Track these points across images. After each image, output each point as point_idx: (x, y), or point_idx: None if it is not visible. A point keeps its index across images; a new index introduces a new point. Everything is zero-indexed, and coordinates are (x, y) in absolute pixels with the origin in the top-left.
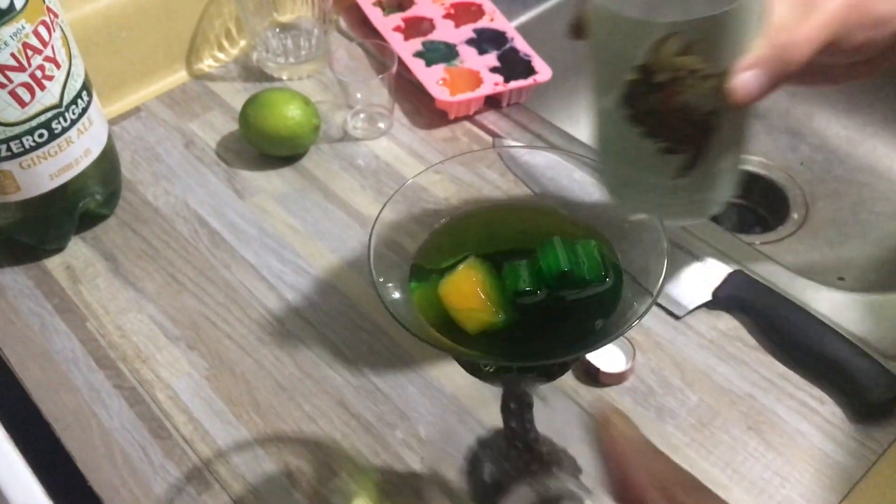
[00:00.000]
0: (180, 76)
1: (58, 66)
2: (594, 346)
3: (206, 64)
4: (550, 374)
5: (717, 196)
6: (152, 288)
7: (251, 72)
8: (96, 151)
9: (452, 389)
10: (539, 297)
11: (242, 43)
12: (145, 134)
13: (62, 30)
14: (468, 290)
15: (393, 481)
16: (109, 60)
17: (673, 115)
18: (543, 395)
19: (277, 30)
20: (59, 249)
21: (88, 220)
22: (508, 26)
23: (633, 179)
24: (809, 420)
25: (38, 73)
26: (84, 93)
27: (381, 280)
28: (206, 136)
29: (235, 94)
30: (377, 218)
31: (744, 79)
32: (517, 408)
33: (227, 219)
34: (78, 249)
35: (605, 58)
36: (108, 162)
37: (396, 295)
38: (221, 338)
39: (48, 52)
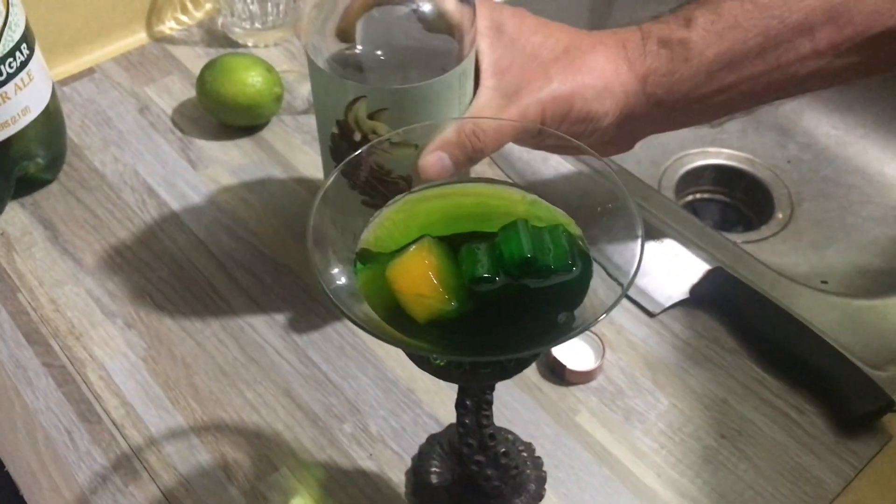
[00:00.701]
0: (139, 38)
1: None
2: (554, 341)
3: (168, 26)
4: (506, 371)
5: None
6: (92, 260)
7: (215, 37)
8: (36, 110)
9: (408, 383)
10: (497, 285)
11: (208, 6)
12: (97, 97)
13: None
14: (418, 274)
15: (338, 479)
16: (61, 16)
17: (370, 172)
18: None
19: None
20: None
21: (29, 185)
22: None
23: (347, 227)
24: (787, 430)
25: None
26: (24, 46)
27: (322, 260)
28: (163, 102)
29: (197, 60)
30: (321, 191)
31: (430, 160)
32: (473, 405)
33: (178, 190)
34: (15, 215)
35: (317, 109)
36: (51, 123)
37: (342, 280)
38: (162, 317)
39: None
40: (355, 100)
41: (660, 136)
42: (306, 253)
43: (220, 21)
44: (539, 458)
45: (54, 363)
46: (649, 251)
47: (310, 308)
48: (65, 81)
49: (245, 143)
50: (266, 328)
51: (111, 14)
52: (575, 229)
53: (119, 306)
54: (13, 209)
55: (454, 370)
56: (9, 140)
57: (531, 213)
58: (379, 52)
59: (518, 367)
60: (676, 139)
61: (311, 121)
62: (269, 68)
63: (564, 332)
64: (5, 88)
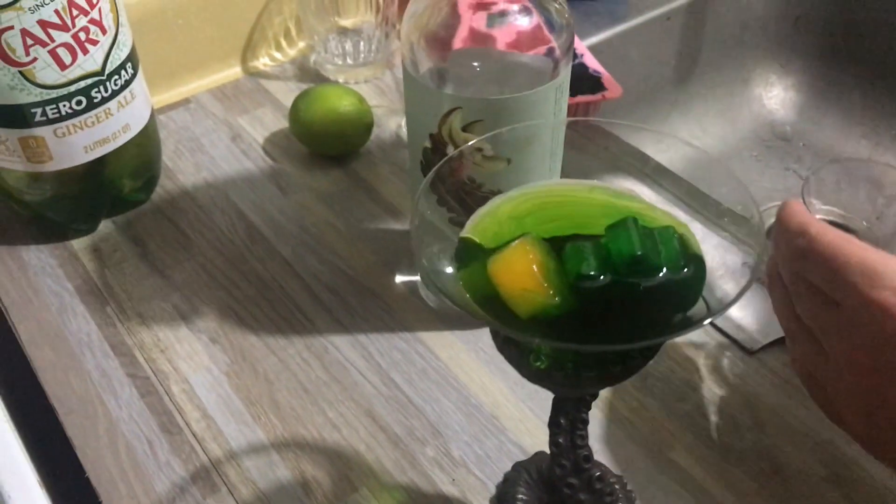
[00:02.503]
0: (234, 72)
1: (103, 31)
2: (663, 337)
3: (262, 62)
4: (612, 376)
5: None
6: (180, 277)
7: (307, 73)
8: (136, 128)
9: (492, 409)
10: (604, 282)
11: (301, 45)
12: (192, 125)
13: None
14: (522, 269)
15: (419, 502)
16: (162, 48)
17: (461, 187)
18: None
19: (338, 32)
20: (90, 231)
21: (123, 205)
22: (578, 43)
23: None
24: None
25: (82, 36)
26: (129, 65)
27: (425, 249)
28: (255, 132)
29: (289, 94)
30: (427, 180)
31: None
32: (567, 423)
33: (268, 214)
34: (108, 233)
35: (409, 123)
36: (148, 144)
37: (447, 270)
38: (247, 334)
39: (94, 14)
40: (450, 111)
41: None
42: (409, 275)
43: (312, 58)
44: (632, 491)
45: (138, 374)
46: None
47: (393, 331)
48: (161, 110)
49: (334, 172)
50: (349, 348)
51: (209, 48)
52: (688, 232)
53: (204, 322)
54: (106, 227)
55: (555, 373)
56: (107, 157)
57: (641, 214)
58: (475, 64)
59: (625, 372)
60: (763, 190)
61: (399, 153)
62: (361, 99)
63: (673, 329)
64: (109, 105)
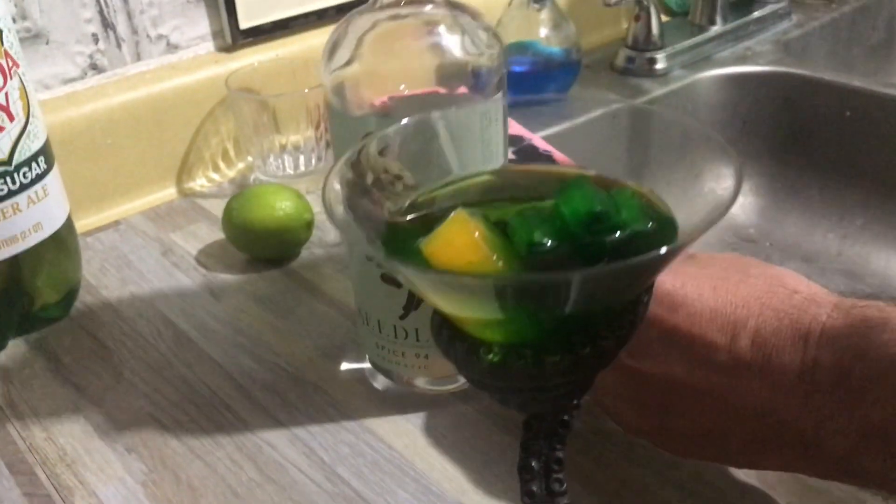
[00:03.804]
0: (168, 193)
1: (11, 118)
2: (640, 261)
3: (199, 183)
4: (580, 361)
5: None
6: (96, 388)
7: (246, 189)
8: (49, 229)
9: (457, 495)
10: (559, 251)
11: (241, 165)
12: (120, 244)
13: (21, 81)
14: (463, 241)
15: None
16: (90, 169)
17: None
18: None
19: (278, 148)
20: None
21: (37, 322)
22: (525, 132)
23: (371, 313)
24: None
25: None
26: (41, 158)
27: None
28: (188, 245)
29: None
30: (339, 162)
31: None
32: (541, 466)
33: (198, 319)
34: (17, 350)
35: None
36: (64, 251)
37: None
38: (169, 439)
39: (0, 98)
40: (366, 135)
41: None
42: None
43: (252, 177)
44: None
45: (37, 493)
46: None
47: (339, 423)
48: (89, 233)
49: (273, 275)
50: (288, 446)
51: (140, 171)
52: (653, 196)
53: (120, 432)
54: (17, 345)
55: (513, 363)
56: (17, 262)
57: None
58: (410, 102)
59: (595, 355)
60: None
61: (342, 252)
62: (300, 195)
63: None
64: (17, 199)
